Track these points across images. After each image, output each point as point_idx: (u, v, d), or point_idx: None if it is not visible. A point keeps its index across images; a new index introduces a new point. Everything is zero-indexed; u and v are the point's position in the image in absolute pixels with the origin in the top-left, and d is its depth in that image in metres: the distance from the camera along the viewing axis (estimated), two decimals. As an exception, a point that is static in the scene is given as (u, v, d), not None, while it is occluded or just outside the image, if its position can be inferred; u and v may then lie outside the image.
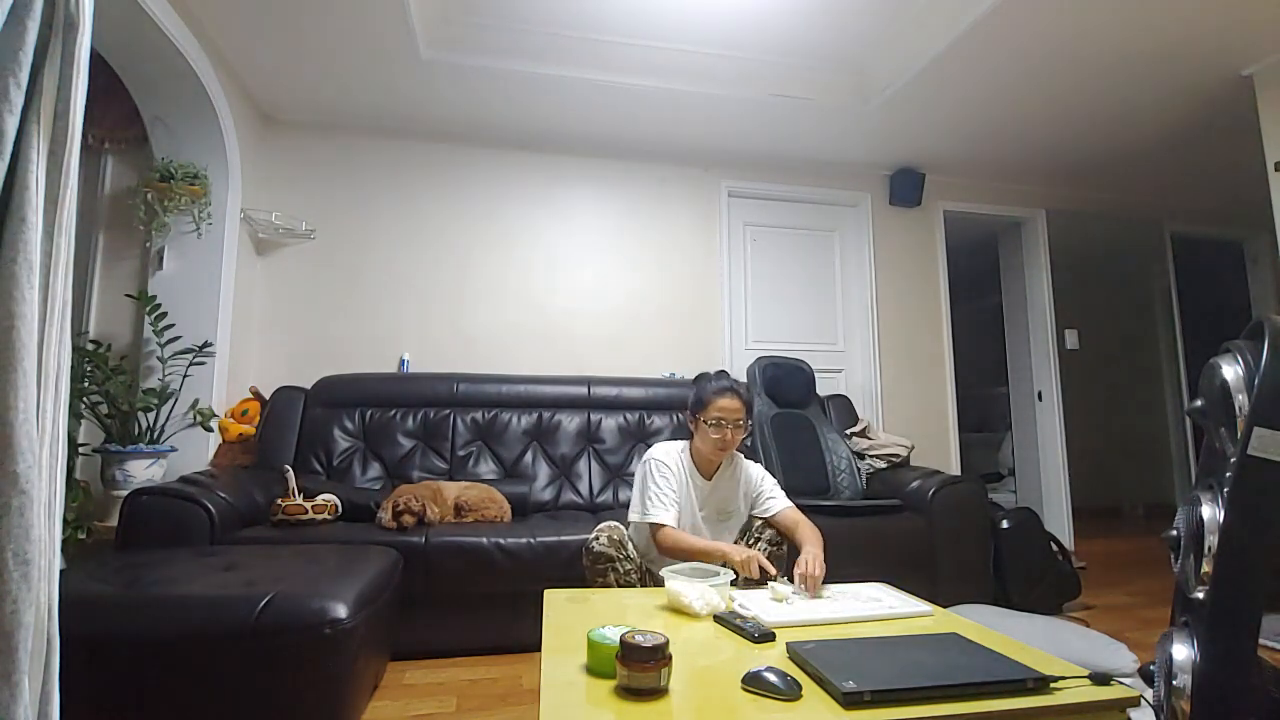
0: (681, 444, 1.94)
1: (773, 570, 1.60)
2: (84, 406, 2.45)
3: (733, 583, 1.50)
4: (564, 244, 3.51)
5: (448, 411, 2.97)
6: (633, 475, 2.02)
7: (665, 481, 1.82)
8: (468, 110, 3.22)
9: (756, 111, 3.22)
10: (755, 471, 1.95)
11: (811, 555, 1.58)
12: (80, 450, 2.54)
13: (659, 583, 1.84)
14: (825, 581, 1.55)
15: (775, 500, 1.89)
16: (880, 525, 2.58)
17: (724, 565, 1.62)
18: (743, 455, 2.00)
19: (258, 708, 1.43)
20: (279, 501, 2.28)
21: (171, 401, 2.58)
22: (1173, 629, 1.17)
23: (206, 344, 2.65)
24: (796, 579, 1.53)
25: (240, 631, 1.40)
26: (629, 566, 1.81)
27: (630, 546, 1.85)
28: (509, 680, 1.98)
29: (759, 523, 1.86)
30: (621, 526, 1.89)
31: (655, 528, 1.78)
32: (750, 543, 1.84)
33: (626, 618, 1.38)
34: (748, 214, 3.82)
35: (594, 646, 1.06)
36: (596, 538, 1.82)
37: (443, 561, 2.15)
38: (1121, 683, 1.02)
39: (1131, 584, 3.17)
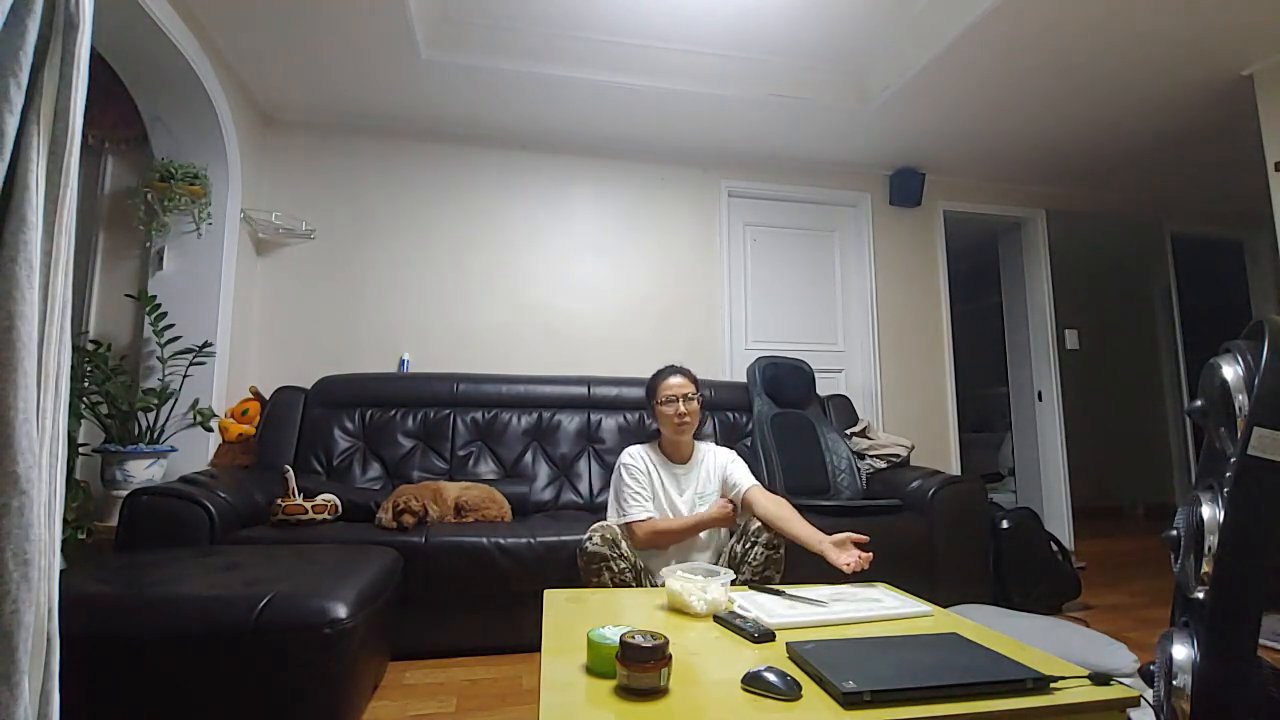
0: (649, 443, 2.09)
1: (736, 504, 1.89)
2: (84, 406, 2.45)
3: (734, 582, 1.50)
4: (564, 244, 3.51)
5: (448, 411, 2.97)
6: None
7: (635, 481, 1.96)
8: (468, 110, 3.22)
9: (756, 111, 3.22)
10: (725, 454, 2.09)
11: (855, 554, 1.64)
12: (80, 450, 2.54)
13: (654, 581, 1.86)
14: (824, 583, 1.57)
15: (743, 479, 2.00)
16: (880, 525, 2.55)
17: (718, 564, 1.67)
18: (713, 442, 2.18)
19: (258, 708, 1.42)
20: (279, 501, 2.28)
21: (171, 401, 2.58)
22: (1173, 629, 1.17)
23: (206, 344, 2.65)
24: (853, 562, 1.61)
25: (240, 631, 1.40)
26: (623, 565, 1.82)
27: (625, 545, 1.86)
28: (509, 680, 1.98)
29: (755, 526, 1.88)
30: (615, 526, 1.90)
31: (631, 525, 1.89)
32: (748, 546, 1.86)
33: (626, 618, 1.38)
34: (748, 214, 3.82)
35: (594, 646, 1.06)
36: (590, 537, 1.84)
37: (443, 561, 2.15)
38: (1121, 683, 1.02)
39: (1131, 584, 3.17)
